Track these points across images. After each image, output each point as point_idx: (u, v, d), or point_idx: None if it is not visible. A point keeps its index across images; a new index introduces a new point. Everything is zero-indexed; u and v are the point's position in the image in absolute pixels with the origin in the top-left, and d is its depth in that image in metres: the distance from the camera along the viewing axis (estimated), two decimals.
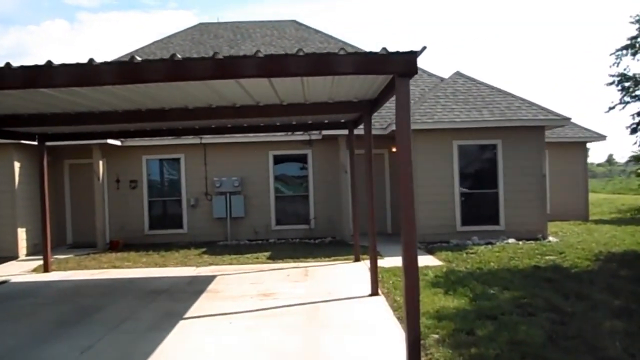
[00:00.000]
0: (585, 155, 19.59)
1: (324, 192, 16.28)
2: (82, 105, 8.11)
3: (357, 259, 11.83)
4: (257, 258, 12.75)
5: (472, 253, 12.02)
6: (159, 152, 16.41)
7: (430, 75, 17.44)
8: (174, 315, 7.48)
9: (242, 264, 12.14)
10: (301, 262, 12.04)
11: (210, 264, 12.21)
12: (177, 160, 16.52)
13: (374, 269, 8.54)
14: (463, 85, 15.26)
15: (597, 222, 18.54)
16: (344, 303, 7.91)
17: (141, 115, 9.01)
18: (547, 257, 11.07)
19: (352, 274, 10.37)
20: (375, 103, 8.39)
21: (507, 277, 9.08)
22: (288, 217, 16.50)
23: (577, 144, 19.34)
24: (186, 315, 7.49)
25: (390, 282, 9.19)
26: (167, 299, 8.68)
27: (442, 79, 16.82)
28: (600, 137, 19.36)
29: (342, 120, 11.82)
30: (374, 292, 8.38)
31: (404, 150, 5.38)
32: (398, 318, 6.90)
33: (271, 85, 7.24)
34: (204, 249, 14.61)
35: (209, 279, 10.40)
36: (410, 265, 5.40)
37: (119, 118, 9.06)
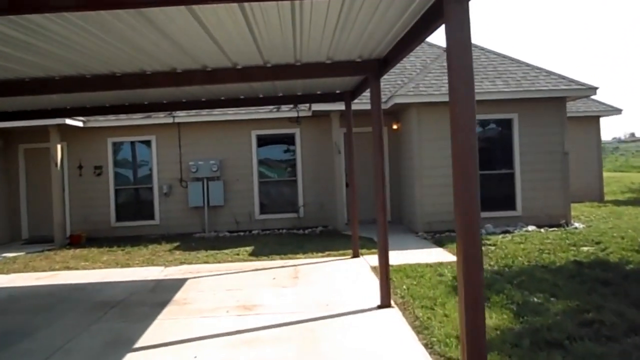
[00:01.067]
0: (599, 131, 17.87)
1: (315, 176, 14.39)
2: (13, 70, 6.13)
3: (355, 254, 10.01)
4: (238, 254, 10.87)
5: (490, 245, 10.25)
6: (127, 133, 14.38)
7: (431, 45, 15.51)
8: (122, 344, 5.60)
9: (219, 261, 10.27)
10: (289, 258, 10.20)
11: (182, 263, 10.33)
12: (148, 142, 14.51)
13: (384, 274, 6.69)
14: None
15: (615, 203, 16.88)
16: (347, 321, 6.07)
17: (86, 82, 7.00)
18: (583, 249, 9.31)
19: (352, 275, 8.54)
20: (385, 63, 6.49)
21: (547, 279, 7.29)
22: (274, 205, 14.62)
23: (589, 119, 17.62)
24: (138, 344, 5.60)
25: (404, 287, 7.36)
26: (119, 315, 6.78)
27: (445, 49, 14.90)
28: (616, 111, 17.65)
29: (338, 92, 9.92)
30: (385, 304, 6.55)
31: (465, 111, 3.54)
32: (426, 345, 5.08)
33: (253, 40, 5.31)
34: (176, 243, 12.71)
35: (178, 283, 8.52)
36: (471, 279, 3.58)
37: (59, 86, 7.05)
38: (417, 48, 14.90)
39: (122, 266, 10.40)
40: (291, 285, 7.92)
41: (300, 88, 9.09)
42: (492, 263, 8.64)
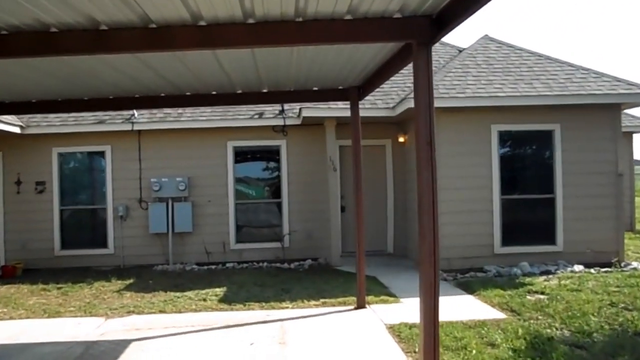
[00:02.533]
0: (631, 149, 15.70)
1: (303, 198, 11.89)
2: None
3: (360, 304, 7.51)
4: (205, 299, 8.29)
5: (536, 292, 7.85)
6: (76, 142, 11.76)
7: (444, 44, 13.21)
8: None
9: (179, 310, 7.70)
10: (272, 307, 7.67)
11: (130, 312, 7.73)
12: (101, 154, 11.90)
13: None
14: (497, 51, 11.10)
15: None
16: None
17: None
18: None
19: (363, 343, 6.02)
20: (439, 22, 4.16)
21: None
22: (253, 232, 12.06)
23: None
24: None
25: None
26: None
27: (459, 49, 12.62)
28: None
29: (340, 87, 7.52)
30: None
31: None
32: None
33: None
34: (130, 280, 10.07)
35: (116, 349, 5.94)
36: None
37: None
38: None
39: (50, 315, 7.77)
40: None
41: (292, 80, 6.65)
42: (556, 325, 6.19)
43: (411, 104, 9.40)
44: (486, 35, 11.74)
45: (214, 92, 6.62)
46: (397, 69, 5.85)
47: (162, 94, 6.72)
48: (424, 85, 4.42)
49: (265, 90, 7.14)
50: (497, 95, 9.55)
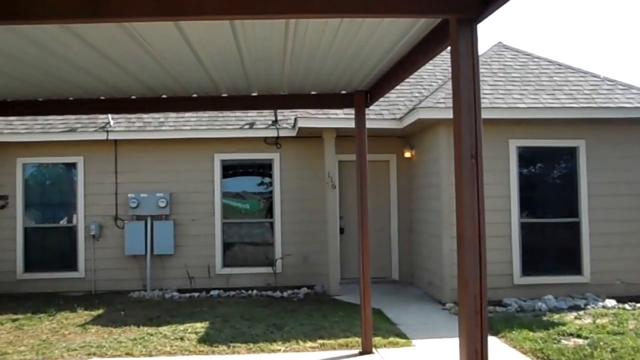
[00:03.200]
0: None
1: (298, 218, 10.72)
2: None
3: (366, 348, 6.30)
4: (182, 339, 7.05)
5: (571, 334, 6.72)
6: (44, 152, 10.55)
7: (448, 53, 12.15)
8: None
9: (149, 354, 6.48)
10: (261, 350, 6.48)
11: (91, 354, 6.51)
12: (72, 165, 10.68)
13: None
14: (514, 59, 10.06)
15: None
16: None
17: None
18: None
19: None
20: None
21: None
22: (242, 256, 10.85)
23: None
24: None
25: None
26: None
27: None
28: None
29: (344, 92, 6.38)
30: None
31: None
32: None
33: None
34: (100, 310, 8.83)
35: None
36: None
37: None
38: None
39: None
40: None
41: (286, 81, 5.49)
42: None
43: (423, 114, 8.35)
44: (500, 42, 10.71)
45: (194, 95, 5.42)
46: (418, 64, 4.75)
47: (133, 96, 5.53)
48: (467, 77, 3.31)
49: (254, 94, 5.97)
50: (517, 106, 8.49)
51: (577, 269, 8.83)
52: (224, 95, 5.32)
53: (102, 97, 5.65)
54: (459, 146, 3.26)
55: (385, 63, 5.05)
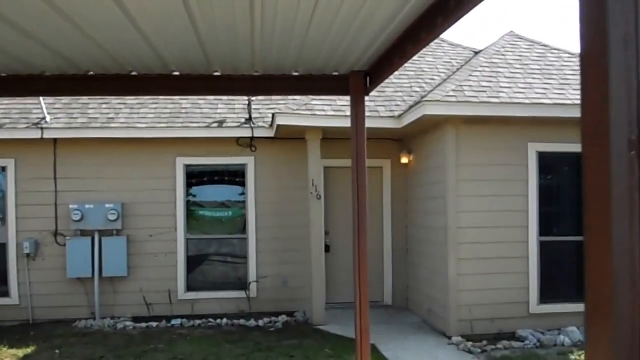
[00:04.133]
0: None
1: (276, 233, 9.16)
2: None
3: None
4: None
5: None
6: None
7: (454, 45, 10.70)
8: None
9: None
10: None
11: None
12: (1, 170, 8.92)
13: None
14: (529, 50, 8.69)
15: None
16: None
17: None
18: None
19: None
20: None
21: None
22: (210, 278, 9.23)
23: None
24: None
25: None
26: None
27: (474, 51, 10.13)
28: None
29: (336, 73, 4.78)
30: None
31: None
32: None
33: None
34: (29, 348, 7.14)
35: None
36: None
37: None
38: (435, 46, 10.22)
39: None
40: None
41: (259, 57, 3.85)
42: None
43: (430, 109, 6.91)
44: (511, 31, 9.32)
45: (132, 72, 3.77)
46: (436, 31, 3.15)
47: (46, 72, 3.85)
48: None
49: (216, 73, 4.31)
50: (541, 102, 7.11)
51: None
52: (174, 72, 3.72)
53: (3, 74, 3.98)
54: (604, 128, 1.64)
55: (393, 30, 3.46)
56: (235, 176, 9.30)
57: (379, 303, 9.24)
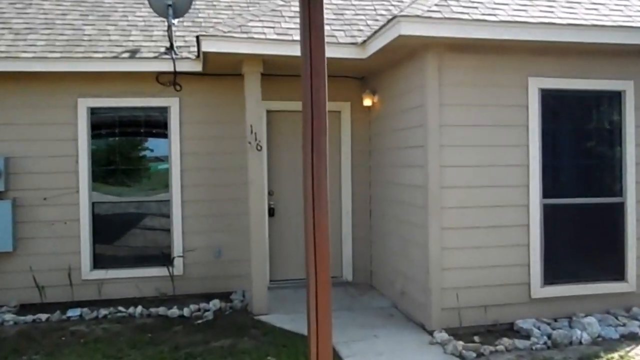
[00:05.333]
0: None
1: (207, 195, 7.30)
2: None
3: None
4: None
5: None
6: None
7: None
8: None
9: None
10: None
11: None
12: None
13: None
14: None
15: None
16: None
17: None
18: None
19: None
20: None
21: None
22: (122, 252, 7.30)
23: None
24: None
25: None
26: None
27: None
28: None
29: None
30: None
31: None
32: None
33: None
34: None
35: None
36: None
37: None
38: None
39: None
40: None
41: None
42: None
43: (407, 29, 5.14)
44: None
45: None
46: None
47: None
48: None
49: None
50: (551, 21, 5.38)
51: (617, 273, 6.01)
52: None
53: None
54: None
55: None
56: (154, 123, 7.31)
57: (337, 279, 7.55)
